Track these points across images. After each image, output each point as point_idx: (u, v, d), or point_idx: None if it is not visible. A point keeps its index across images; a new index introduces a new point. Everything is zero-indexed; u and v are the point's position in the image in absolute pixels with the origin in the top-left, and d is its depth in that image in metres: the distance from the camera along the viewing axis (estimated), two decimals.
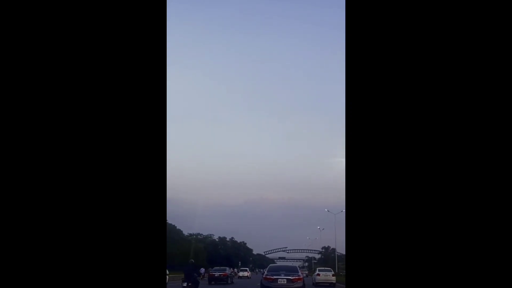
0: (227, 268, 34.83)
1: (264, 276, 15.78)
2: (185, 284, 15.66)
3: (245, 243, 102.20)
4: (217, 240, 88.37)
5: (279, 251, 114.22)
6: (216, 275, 29.96)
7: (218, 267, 34.98)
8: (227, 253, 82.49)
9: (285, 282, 14.74)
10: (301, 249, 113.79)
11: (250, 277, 45.75)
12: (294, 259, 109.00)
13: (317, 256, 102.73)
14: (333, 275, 27.99)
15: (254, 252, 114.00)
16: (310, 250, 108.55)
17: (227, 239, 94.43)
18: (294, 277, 14.99)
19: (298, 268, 18.26)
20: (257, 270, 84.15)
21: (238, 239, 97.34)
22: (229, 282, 30.11)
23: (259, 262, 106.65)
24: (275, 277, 14.91)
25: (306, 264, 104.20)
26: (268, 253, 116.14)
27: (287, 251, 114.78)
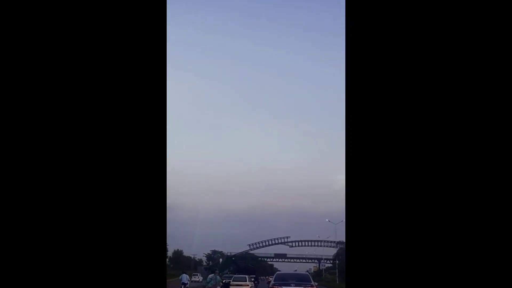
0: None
1: (270, 285, 13.32)
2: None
3: None
4: None
5: (277, 244, 73.89)
6: None
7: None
8: None
9: None
10: (316, 241, 71.91)
11: None
12: (302, 258, 74.63)
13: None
14: None
15: (237, 247, 73.27)
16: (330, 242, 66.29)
17: None
18: (306, 287, 12.50)
19: (310, 276, 15.10)
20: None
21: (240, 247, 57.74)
22: None
23: (244, 264, 63.18)
24: (284, 287, 12.31)
25: (327, 265, 63.66)
26: (255, 248, 74.98)
27: (290, 244, 73.79)
